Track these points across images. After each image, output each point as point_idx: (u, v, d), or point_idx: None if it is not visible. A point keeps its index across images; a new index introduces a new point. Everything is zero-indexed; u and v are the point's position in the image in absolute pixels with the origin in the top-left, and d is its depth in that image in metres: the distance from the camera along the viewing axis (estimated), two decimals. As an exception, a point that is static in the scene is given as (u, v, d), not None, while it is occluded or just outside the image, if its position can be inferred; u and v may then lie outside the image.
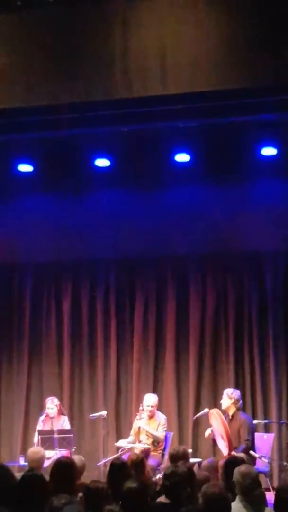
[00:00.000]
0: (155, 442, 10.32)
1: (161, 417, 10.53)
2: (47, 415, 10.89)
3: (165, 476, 6.06)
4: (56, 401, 11.02)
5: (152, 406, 10.48)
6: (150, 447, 10.24)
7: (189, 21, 8.31)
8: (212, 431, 9.91)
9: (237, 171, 11.15)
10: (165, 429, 10.46)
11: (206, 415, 10.26)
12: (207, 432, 10.01)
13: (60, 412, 11.02)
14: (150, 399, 10.58)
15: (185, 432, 11.64)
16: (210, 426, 10.02)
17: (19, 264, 12.55)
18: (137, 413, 10.56)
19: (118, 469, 6.83)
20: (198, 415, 10.70)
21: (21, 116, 8.92)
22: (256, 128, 10.09)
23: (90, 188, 11.77)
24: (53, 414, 10.89)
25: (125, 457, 9.30)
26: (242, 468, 5.99)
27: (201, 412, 10.53)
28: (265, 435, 10.68)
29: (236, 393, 10.24)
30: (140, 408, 10.49)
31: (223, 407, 10.12)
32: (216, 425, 9.79)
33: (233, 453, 9.44)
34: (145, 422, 10.39)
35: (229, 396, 10.15)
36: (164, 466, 9.67)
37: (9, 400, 12.42)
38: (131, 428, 10.76)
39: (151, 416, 10.45)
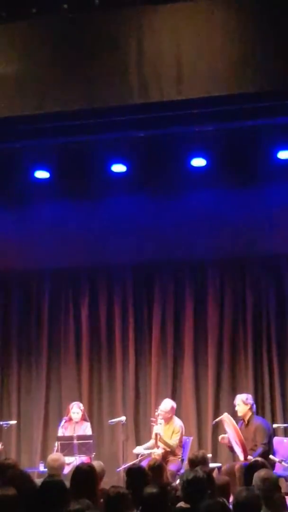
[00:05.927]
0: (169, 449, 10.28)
1: (176, 424, 10.48)
2: (70, 419, 10.87)
3: (186, 481, 6.03)
4: (81, 406, 11.03)
5: (165, 412, 10.41)
6: (167, 453, 10.22)
7: (205, 26, 8.32)
8: (227, 437, 9.85)
9: (253, 175, 11.14)
10: (179, 437, 10.40)
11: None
12: (220, 437, 9.98)
13: (83, 418, 10.99)
14: (163, 405, 10.52)
15: (204, 436, 11.60)
16: (226, 432, 9.98)
17: (36, 270, 12.55)
18: (152, 418, 10.54)
19: (136, 475, 6.82)
20: (217, 419, 10.66)
21: (37, 122, 8.94)
22: (272, 132, 10.06)
23: (106, 194, 11.77)
24: (77, 419, 10.86)
25: (144, 462, 9.30)
26: (262, 472, 5.99)
27: (220, 417, 10.49)
28: (285, 439, 10.59)
29: (250, 398, 10.20)
30: (156, 413, 10.48)
31: (240, 414, 10.07)
32: (230, 431, 9.75)
33: (249, 457, 9.40)
34: (162, 427, 10.35)
35: (244, 403, 10.09)
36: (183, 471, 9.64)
37: (28, 406, 12.41)
38: (150, 433, 10.75)
39: (166, 422, 10.41)
